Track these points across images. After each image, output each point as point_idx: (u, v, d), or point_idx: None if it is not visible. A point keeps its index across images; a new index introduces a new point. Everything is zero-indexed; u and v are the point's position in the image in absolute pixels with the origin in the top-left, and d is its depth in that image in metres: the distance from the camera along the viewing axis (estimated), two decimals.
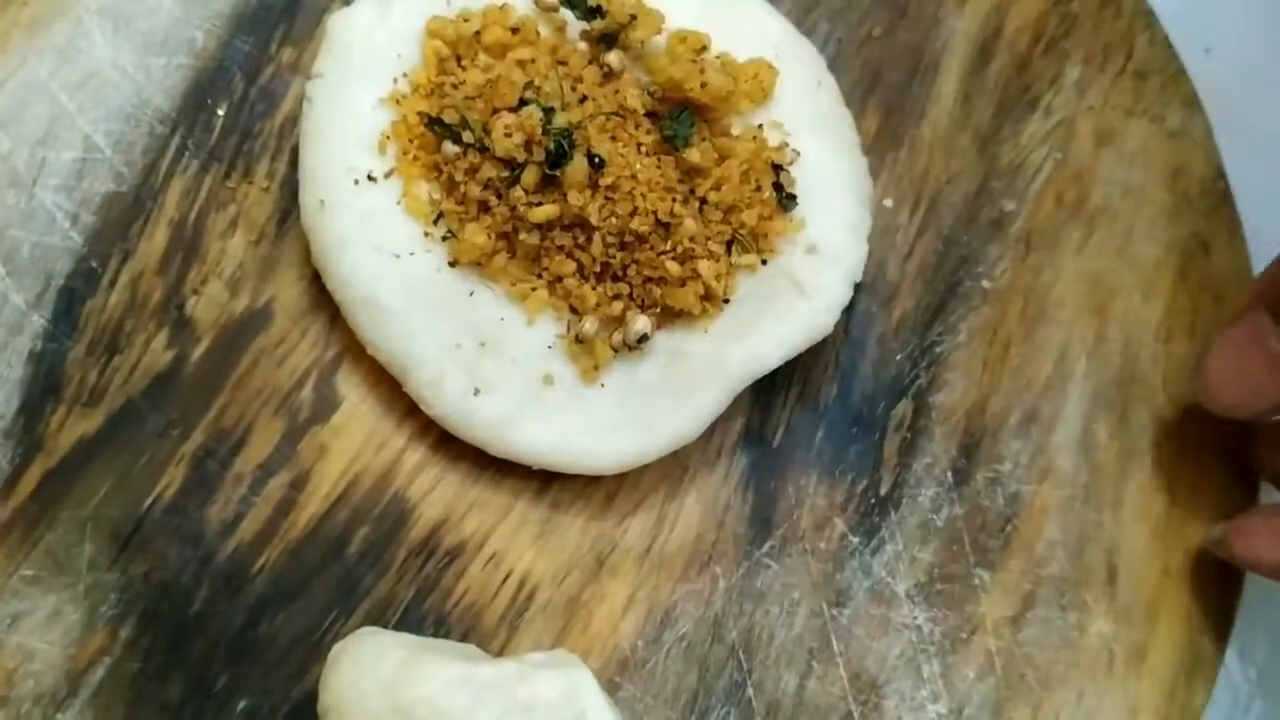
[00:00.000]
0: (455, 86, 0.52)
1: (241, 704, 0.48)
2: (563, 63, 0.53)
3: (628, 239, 0.50)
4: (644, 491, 0.52)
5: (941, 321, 0.55)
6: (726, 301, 0.51)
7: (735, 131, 0.53)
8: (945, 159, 0.57)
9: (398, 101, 0.53)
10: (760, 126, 0.53)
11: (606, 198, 0.50)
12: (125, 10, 0.56)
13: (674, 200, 0.50)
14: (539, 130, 0.49)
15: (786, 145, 0.53)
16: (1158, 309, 0.56)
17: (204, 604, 0.49)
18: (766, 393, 0.53)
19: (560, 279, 0.51)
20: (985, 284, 0.56)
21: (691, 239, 0.50)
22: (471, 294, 0.51)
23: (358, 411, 0.52)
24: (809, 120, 0.54)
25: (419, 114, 0.52)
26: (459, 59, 0.53)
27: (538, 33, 0.54)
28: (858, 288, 0.53)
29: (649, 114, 0.52)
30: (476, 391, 0.49)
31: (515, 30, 0.53)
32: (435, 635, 0.49)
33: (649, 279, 0.51)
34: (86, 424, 0.51)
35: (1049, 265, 0.56)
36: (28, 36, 0.55)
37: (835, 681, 0.50)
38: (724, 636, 0.50)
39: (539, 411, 0.50)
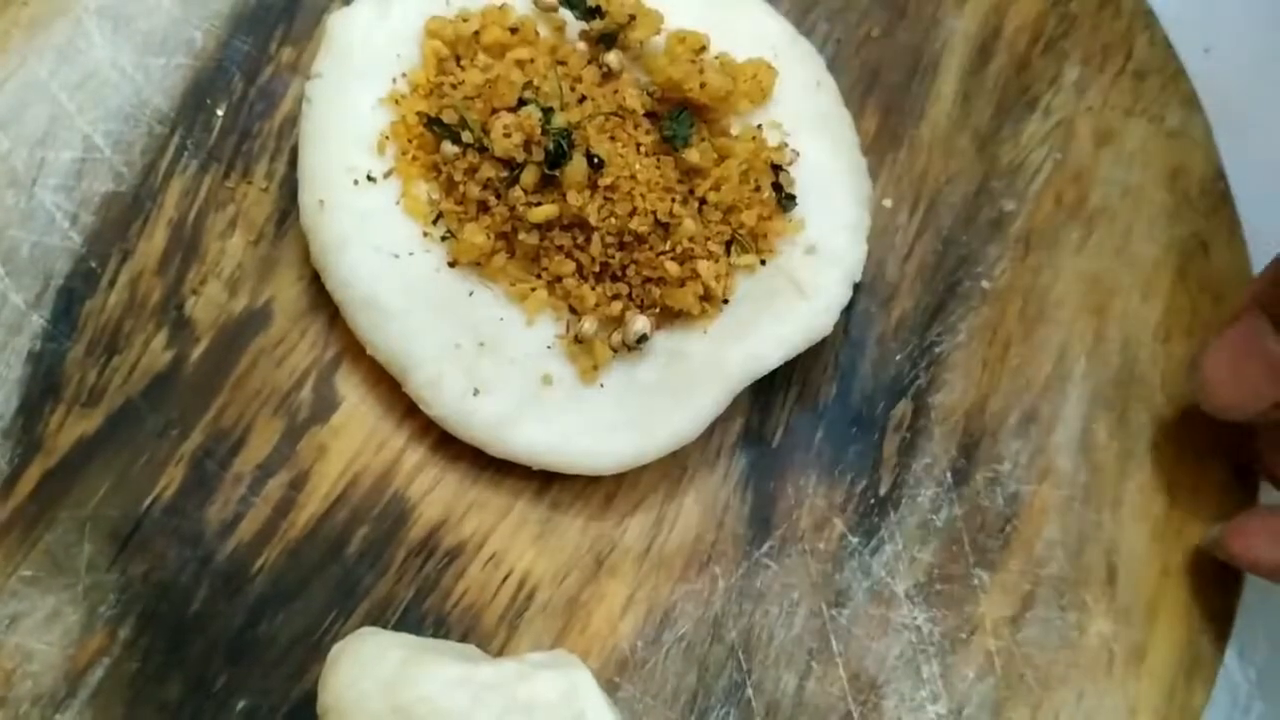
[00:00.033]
0: (454, 86, 0.52)
1: (241, 704, 0.48)
2: (562, 63, 0.53)
3: (627, 239, 0.50)
4: (643, 492, 0.52)
5: (941, 322, 0.55)
6: (726, 302, 0.51)
7: (734, 132, 0.53)
8: (944, 159, 0.57)
9: (397, 101, 0.53)
10: (759, 127, 0.53)
11: (606, 198, 0.50)
12: (125, 10, 0.56)
13: (673, 200, 0.50)
14: (538, 130, 0.49)
15: (786, 145, 0.53)
16: (1157, 309, 0.56)
17: (203, 604, 0.49)
18: (766, 393, 0.53)
19: (559, 279, 0.51)
20: (984, 284, 0.56)
21: (691, 239, 0.50)
22: (471, 294, 0.51)
23: (357, 412, 0.52)
24: (808, 120, 0.54)
25: (418, 114, 0.52)
26: (458, 59, 0.53)
27: (537, 33, 0.54)
28: (857, 288, 0.53)
29: (648, 114, 0.52)
30: (476, 392, 0.49)
31: (514, 30, 0.53)
32: (435, 635, 0.49)
33: (648, 279, 0.51)
34: (86, 424, 0.51)
35: (1048, 265, 0.56)
36: (27, 36, 0.55)
37: (835, 682, 0.50)
38: (723, 637, 0.50)
39: (538, 412, 0.50)
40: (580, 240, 0.50)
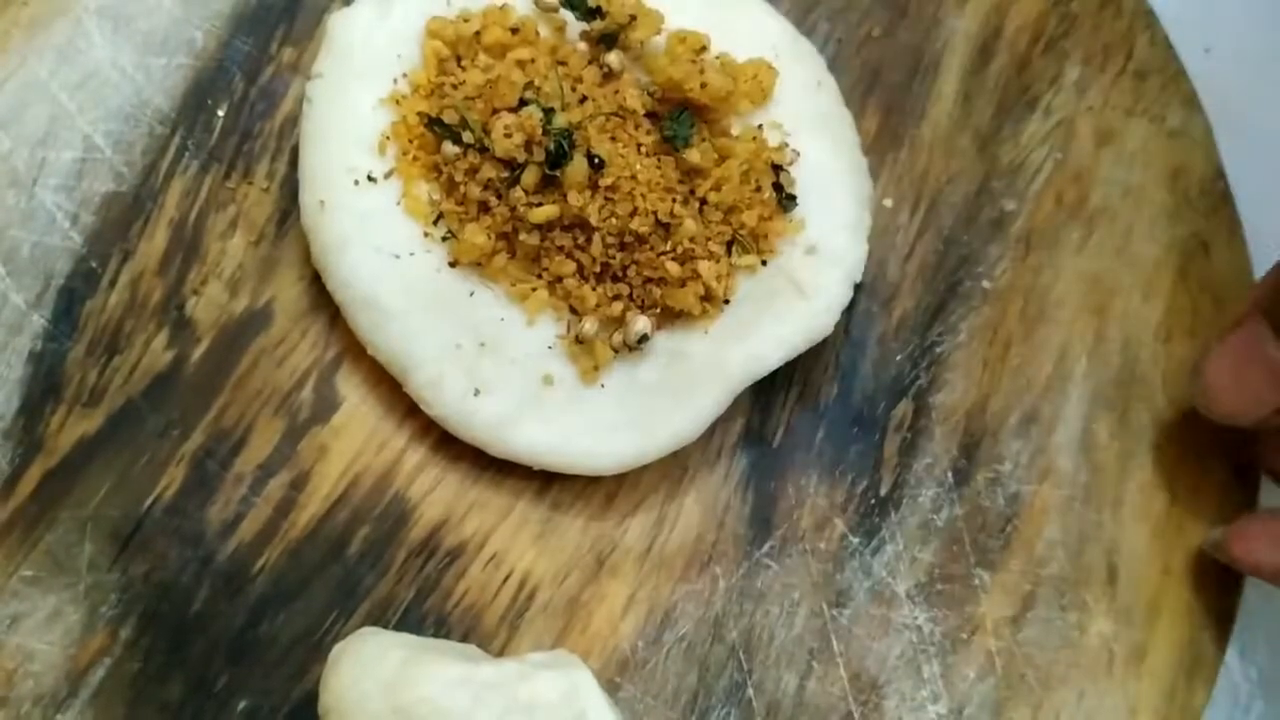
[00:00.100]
0: (455, 87, 0.52)
1: (242, 704, 0.48)
2: (563, 63, 0.53)
3: (628, 239, 0.50)
4: (644, 492, 0.52)
5: (941, 321, 0.55)
6: (726, 302, 0.51)
7: (735, 132, 0.53)
8: (945, 159, 0.57)
9: (398, 102, 0.53)
10: (760, 127, 0.53)
11: (606, 198, 0.50)
12: (125, 10, 0.56)
13: (674, 201, 0.50)
14: (539, 130, 0.49)
15: (786, 145, 0.53)
16: (1157, 309, 0.56)
17: (204, 604, 0.49)
18: (766, 393, 0.53)
19: (560, 279, 0.51)
20: (985, 284, 0.56)
21: (691, 239, 0.50)
22: (471, 294, 0.51)
23: (358, 412, 0.52)
24: (809, 120, 0.54)
25: (419, 114, 0.52)
26: (459, 59, 0.53)
27: (537, 33, 0.54)
28: (858, 288, 0.53)
29: (649, 114, 0.52)
30: (476, 392, 0.49)
31: (515, 30, 0.53)
32: (436, 635, 0.49)
33: (649, 279, 0.51)
34: (86, 424, 0.51)
35: (1049, 265, 0.56)
36: (28, 36, 0.55)
37: (835, 682, 0.50)
38: (724, 637, 0.50)
39: (539, 412, 0.50)
40: (581, 240, 0.50)
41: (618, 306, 0.51)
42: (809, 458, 0.53)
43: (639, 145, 0.51)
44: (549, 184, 0.50)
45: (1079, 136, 0.58)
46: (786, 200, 0.52)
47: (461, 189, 0.51)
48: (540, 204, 0.50)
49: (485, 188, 0.50)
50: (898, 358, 0.55)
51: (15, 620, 0.48)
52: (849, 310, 0.53)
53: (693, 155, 0.51)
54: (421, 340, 0.50)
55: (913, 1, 0.59)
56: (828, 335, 0.52)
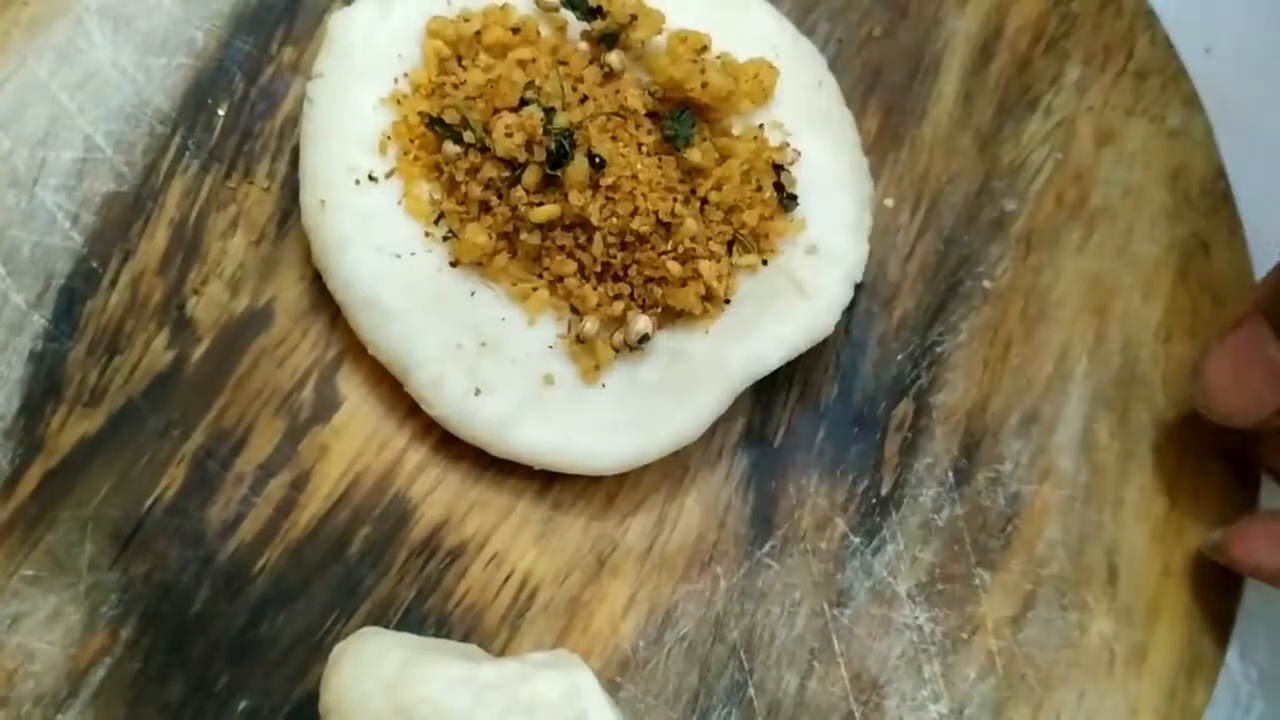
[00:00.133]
0: (456, 86, 0.52)
1: (242, 704, 0.48)
2: (563, 63, 0.53)
3: (629, 239, 0.50)
4: (645, 492, 0.52)
5: (942, 321, 0.55)
6: (727, 302, 0.51)
7: (736, 131, 0.53)
8: (946, 159, 0.57)
9: (398, 101, 0.53)
10: (761, 126, 0.53)
11: (607, 198, 0.50)
12: (125, 10, 0.56)
13: (675, 200, 0.50)
14: (540, 130, 0.49)
15: (787, 145, 0.53)
16: (1158, 309, 0.56)
17: (205, 604, 0.49)
18: (767, 393, 0.53)
19: (561, 279, 0.51)
20: (986, 284, 0.56)
21: (692, 239, 0.50)
22: (472, 294, 0.51)
23: (359, 412, 0.52)
24: (809, 120, 0.54)
25: (420, 114, 0.52)
26: (460, 59, 0.53)
27: (538, 33, 0.54)
28: (858, 288, 0.53)
29: (650, 114, 0.52)
30: (477, 392, 0.49)
31: (516, 30, 0.53)
32: (436, 635, 0.49)
33: (650, 279, 0.51)
34: (87, 424, 0.51)
35: (1049, 265, 0.56)
36: (28, 36, 0.55)
37: (836, 681, 0.50)
38: (725, 636, 0.50)
39: (540, 412, 0.50)
40: (582, 240, 0.50)
41: (619, 306, 0.51)
42: (810, 457, 0.53)
43: (640, 145, 0.51)
44: (550, 184, 0.50)
45: (1079, 136, 0.58)
46: (787, 200, 0.52)
47: (462, 189, 0.51)
48: (541, 204, 0.50)
49: (486, 187, 0.50)
50: (898, 357, 0.55)
51: (16, 620, 0.48)
52: (850, 310, 0.53)
53: (694, 155, 0.51)
54: (422, 340, 0.50)
55: (913, 1, 0.59)
56: (828, 335, 0.52)
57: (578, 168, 0.49)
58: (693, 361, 0.51)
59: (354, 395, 0.52)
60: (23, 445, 0.50)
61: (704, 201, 0.51)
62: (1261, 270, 0.53)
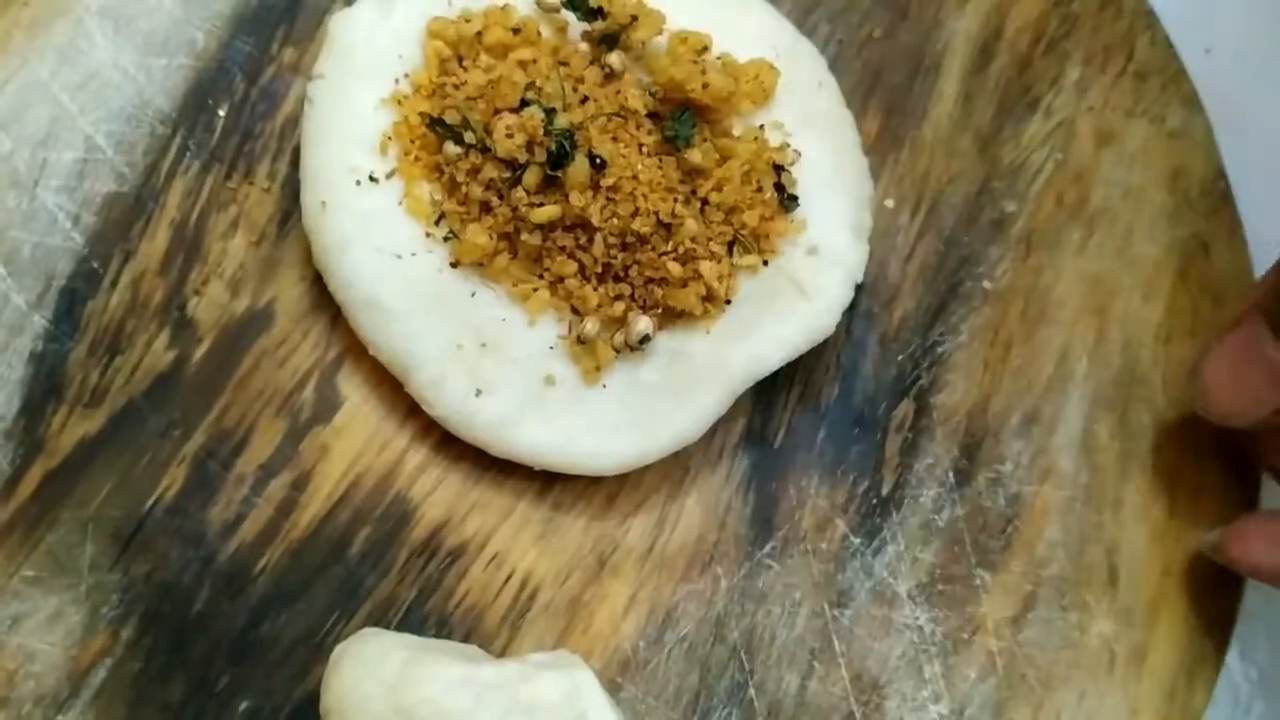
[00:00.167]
0: (457, 87, 0.52)
1: (243, 705, 0.48)
2: (564, 63, 0.53)
3: (629, 240, 0.50)
4: (645, 492, 0.52)
5: (942, 322, 0.55)
6: (728, 302, 0.51)
7: (736, 132, 0.53)
8: (946, 160, 0.57)
9: (399, 102, 0.53)
10: (761, 127, 0.53)
11: (608, 198, 0.50)
12: (126, 11, 0.56)
13: (675, 201, 0.50)
14: (540, 131, 0.49)
15: (788, 146, 0.53)
16: (1158, 310, 0.56)
17: (206, 604, 0.49)
18: (768, 394, 0.53)
19: (562, 280, 0.51)
20: (986, 285, 0.56)
21: (693, 240, 0.50)
22: (473, 295, 0.51)
23: (359, 412, 0.52)
24: (810, 121, 0.54)
25: (420, 115, 0.52)
26: (460, 60, 0.53)
27: (539, 33, 0.54)
28: (859, 288, 0.53)
29: (650, 115, 0.52)
30: (478, 392, 0.49)
31: (516, 31, 0.53)
32: (437, 636, 0.49)
33: (650, 280, 0.51)
34: (88, 425, 0.51)
35: (1049, 266, 0.56)
36: (29, 37, 0.55)
37: (837, 682, 0.50)
38: (726, 637, 0.50)
39: (540, 412, 0.50)
40: (583, 241, 0.50)
41: (619, 307, 0.51)
42: (810, 458, 0.53)
43: (640, 145, 0.51)
44: (550, 184, 0.50)
45: (1079, 137, 0.58)
46: (788, 201, 0.52)
47: (463, 189, 0.51)
48: (542, 204, 0.50)
49: (487, 188, 0.50)
50: (899, 358, 0.55)
51: (16, 621, 0.48)
52: (850, 311, 0.53)
53: (694, 155, 0.51)
54: (423, 340, 0.50)
55: (914, 2, 0.59)
56: (829, 336, 0.52)
57: (578, 168, 0.49)
58: (693, 362, 0.51)
59: (355, 396, 0.52)
60: (23, 446, 0.50)
61: (704, 202, 0.51)
62: (1261, 271, 0.53)
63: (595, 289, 0.51)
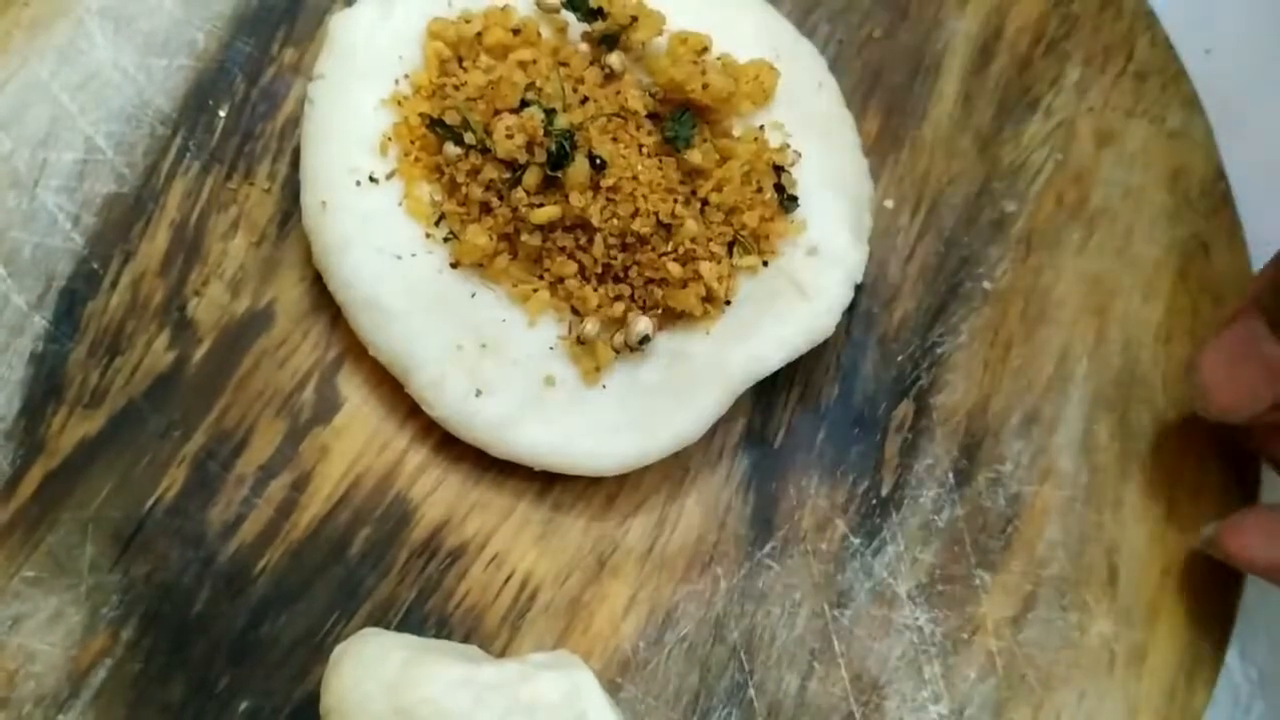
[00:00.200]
0: (457, 88, 0.52)
1: (243, 705, 0.48)
2: (564, 64, 0.53)
3: (629, 240, 0.50)
4: (645, 493, 0.52)
5: (942, 322, 0.55)
6: (728, 303, 0.51)
7: (736, 133, 0.53)
8: (946, 160, 0.57)
9: (399, 103, 0.53)
10: (761, 128, 0.53)
11: (608, 199, 0.50)
12: (126, 11, 0.56)
13: (675, 201, 0.50)
14: (540, 131, 0.49)
15: (788, 146, 0.53)
16: (1158, 310, 0.56)
17: (206, 605, 0.49)
18: (768, 394, 0.53)
19: (562, 280, 0.51)
20: (986, 285, 0.56)
21: (693, 240, 0.50)
22: (473, 295, 0.51)
23: (359, 413, 0.52)
24: (810, 121, 0.54)
25: (420, 115, 0.52)
26: (460, 60, 0.53)
27: (539, 34, 0.54)
28: (859, 289, 0.53)
29: (650, 115, 0.52)
30: (478, 393, 0.50)
31: (516, 31, 0.53)
32: (437, 636, 0.49)
33: (650, 280, 0.51)
34: (88, 425, 0.51)
35: (1049, 266, 0.56)
36: (29, 37, 0.55)
37: (837, 682, 0.50)
38: (725, 637, 0.50)
39: (540, 413, 0.50)
40: (582, 241, 0.50)
41: (619, 307, 0.51)
42: (810, 458, 0.53)
43: (640, 146, 0.51)
44: (550, 185, 0.50)
45: (1079, 137, 0.58)
46: (788, 201, 0.53)
47: (463, 190, 0.51)
48: (542, 205, 0.50)
49: (487, 189, 0.50)
50: (899, 358, 0.55)
51: (17, 621, 0.48)
52: (850, 311, 0.53)
53: (694, 156, 0.51)
54: (423, 341, 0.50)
55: (913, 3, 0.59)
56: (829, 336, 0.52)
57: (578, 169, 0.49)
58: (693, 363, 0.51)
59: (355, 396, 0.52)
60: (24, 446, 0.50)
61: (704, 203, 0.51)
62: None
63: (595, 289, 0.51)
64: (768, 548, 0.52)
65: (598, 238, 0.50)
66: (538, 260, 0.51)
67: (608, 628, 0.50)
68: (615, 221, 0.49)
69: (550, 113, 0.50)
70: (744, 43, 0.54)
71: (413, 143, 0.52)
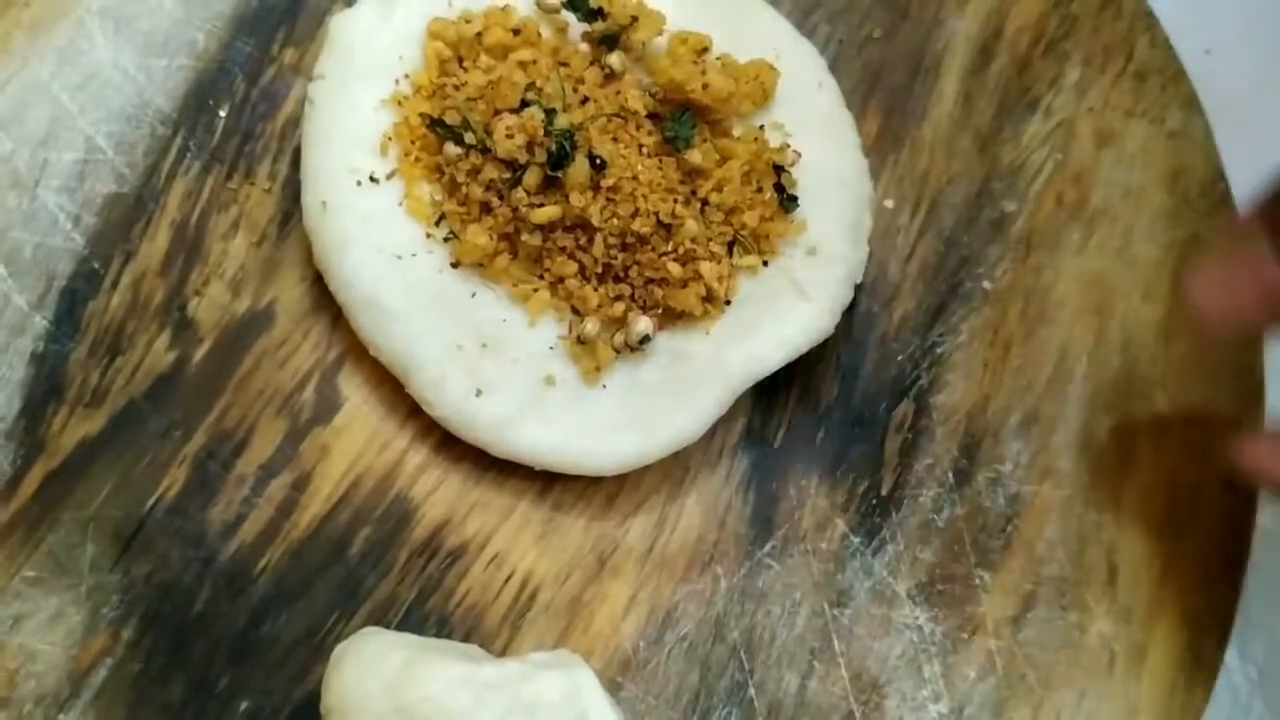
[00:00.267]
0: (457, 88, 0.52)
1: (244, 705, 0.48)
2: (564, 64, 0.53)
3: (629, 240, 0.50)
4: (645, 492, 0.52)
5: (942, 322, 0.55)
6: (728, 303, 0.51)
7: (736, 133, 0.53)
8: (946, 160, 0.57)
9: (399, 103, 0.53)
10: (761, 128, 0.54)
11: (608, 199, 0.50)
12: (126, 11, 0.56)
13: (675, 201, 0.50)
14: (540, 131, 0.49)
15: (788, 146, 0.53)
16: (1158, 310, 0.56)
17: (206, 605, 0.49)
18: (768, 394, 0.53)
19: (562, 280, 0.51)
20: (986, 285, 0.56)
21: (693, 240, 0.50)
22: (473, 295, 0.51)
23: (360, 412, 0.52)
24: (810, 121, 0.54)
25: (421, 115, 0.52)
26: (460, 60, 0.53)
27: (539, 34, 0.54)
28: (858, 289, 0.53)
29: (650, 115, 0.52)
30: (478, 393, 0.50)
31: (517, 32, 0.53)
32: (438, 636, 0.49)
33: (650, 280, 0.51)
34: (88, 425, 0.51)
35: (1049, 266, 0.56)
36: (29, 38, 0.55)
37: (837, 681, 0.50)
38: (726, 637, 0.50)
39: (541, 412, 0.50)
40: (583, 241, 0.50)
41: (619, 307, 0.51)
42: (810, 458, 0.53)
43: (640, 146, 0.51)
44: (551, 185, 0.50)
45: (1079, 137, 0.58)
46: (788, 201, 0.53)
47: (463, 190, 0.51)
48: (542, 205, 0.50)
49: (487, 189, 0.51)
50: (898, 358, 0.55)
51: (17, 621, 0.48)
52: (850, 311, 0.53)
53: (694, 156, 0.51)
54: (423, 341, 0.50)
55: (913, 3, 0.60)
56: (829, 336, 0.52)
57: (578, 169, 0.49)
58: (693, 362, 0.51)
59: (355, 396, 0.52)
60: (24, 446, 0.50)
61: (704, 203, 0.51)
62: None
63: (595, 289, 0.51)
64: (768, 547, 0.52)
65: (598, 237, 0.50)
66: (538, 260, 0.51)
67: (608, 627, 0.50)
68: (615, 221, 0.50)
69: (550, 113, 0.50)
70: (744, 43, 0.54)
71: (413, 143, 0.52)
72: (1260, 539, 0.53)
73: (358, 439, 0.51)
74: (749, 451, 0.53)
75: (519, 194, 0.50)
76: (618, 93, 0.52)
